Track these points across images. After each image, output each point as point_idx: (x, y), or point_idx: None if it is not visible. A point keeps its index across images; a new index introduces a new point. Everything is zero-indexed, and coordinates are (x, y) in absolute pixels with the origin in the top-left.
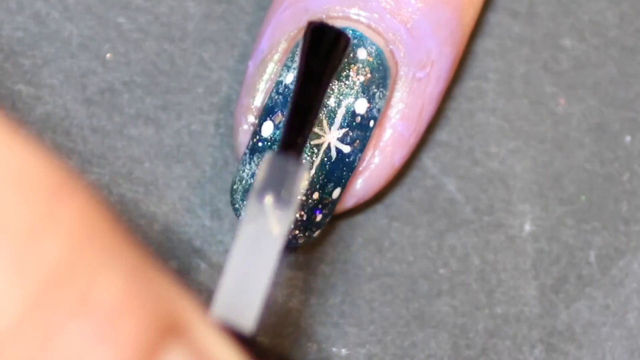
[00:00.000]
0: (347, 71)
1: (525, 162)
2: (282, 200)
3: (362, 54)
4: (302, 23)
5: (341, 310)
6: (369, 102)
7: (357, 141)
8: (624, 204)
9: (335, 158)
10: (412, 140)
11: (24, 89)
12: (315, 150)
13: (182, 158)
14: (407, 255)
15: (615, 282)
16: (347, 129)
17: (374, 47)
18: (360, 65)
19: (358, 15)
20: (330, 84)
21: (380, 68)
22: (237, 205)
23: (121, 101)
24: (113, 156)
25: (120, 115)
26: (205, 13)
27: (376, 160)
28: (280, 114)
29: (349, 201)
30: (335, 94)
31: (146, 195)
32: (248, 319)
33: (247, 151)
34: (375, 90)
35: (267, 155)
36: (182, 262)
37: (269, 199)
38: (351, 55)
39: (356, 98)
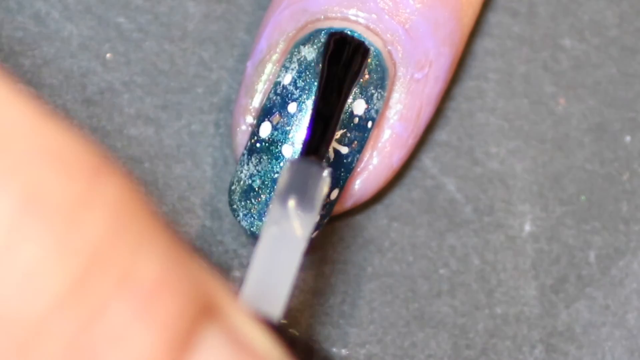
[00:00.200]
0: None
1: (525, 162)
2: (304, 203)
3: None
4: (301, 24)
5: (341, 310)
6: (367, 103)
7: (355, 142)
8: (624, 204)
9: (333, 159)
10: (410, 141)
11: (24, 89)
12: None
13: (182, 158)
14: (407, 255)
15: (615, 282)
16: (345, 130)
17: (372, 48)
18: None
19: (356, 16)
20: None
21: (379, 69)
22: (235, 206)
23: (121, 101)
24: (113, 156)
25: (120, 115)
26: (205, 13)
27: (374, 161)
28: (278, 115)
29: (347, 202)
30: None
31: (146, 196)
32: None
33: (245, 152)
34: (373, 91)
35: (290, 161)
36: None
37: (292, 202)
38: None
39: (354, 99)
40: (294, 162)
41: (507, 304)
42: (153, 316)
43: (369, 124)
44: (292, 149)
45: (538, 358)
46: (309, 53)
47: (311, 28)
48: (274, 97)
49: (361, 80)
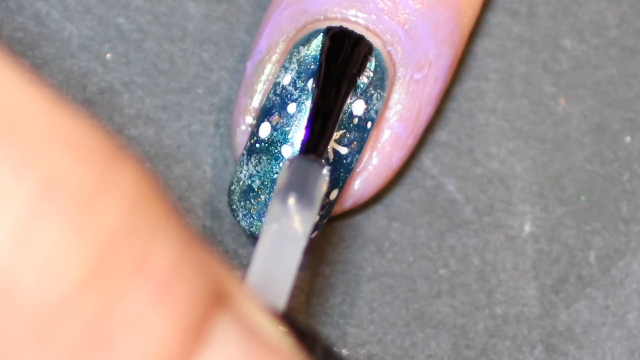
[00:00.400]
0: None
1: (525, 162)
2: (304, 200)
3: None
4: (300, 24)
5: (341, 311)
6: (366, 103)
7: (355, 142)
8: (624, 204)
9: (333, 159)
10: (410, 141)
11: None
12: None
13: (182, 158)
14: (407, 255)
15: (615, 282)
16: (344, 130)
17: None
18: None
19: (356, 16)
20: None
21: (378, 69)
22: (234, 207)
23: (121, 101)
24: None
25: (120, 115)
26: (205, 13)
27: (374, 161)
28: (277, 115)
29: (347, 202)
30: None
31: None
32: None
33: (244, 152)
34: (372, 91)
35: (290, 159)
36: None
37: (292, 200)
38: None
39: (353, 99)
40: (293, 160)
41: (507, 304)
42: (168, 303)
43: (369, 124)
44: (291, 149)
45: (538, 358)
46: (309, 53)
47: (311, 28)
48: (274, 98)
49: (363, 77)
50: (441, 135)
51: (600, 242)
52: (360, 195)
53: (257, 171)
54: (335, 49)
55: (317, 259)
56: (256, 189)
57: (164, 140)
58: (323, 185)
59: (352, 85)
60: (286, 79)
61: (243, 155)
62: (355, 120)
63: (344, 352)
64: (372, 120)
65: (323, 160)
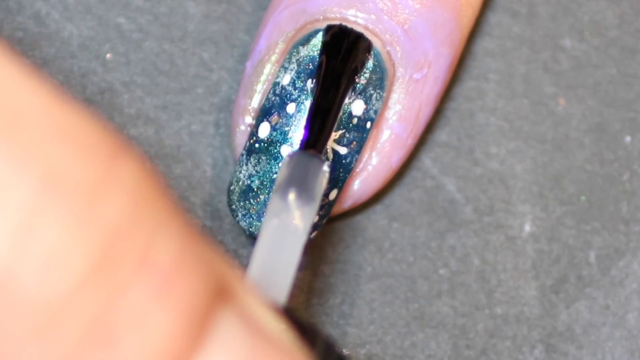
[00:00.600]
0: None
1: (525, 162)
2: (305, 196)
3: None
4: (300, 24)
5: (341, 311)
6: (365, 103)
7: (354, 143)
8: (624, 204)
9: (332, 159)
10: (409, 141)
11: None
12: None
13: (182, 158)
14: (407, 255)
15: (615, 282)
16: (343, 130)
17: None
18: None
19: (355, 16)
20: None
21: (377, 69)
22: (234, 207)
23: (121, 101)
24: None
25: (120, 115)
26: (205, 13)
27: (373, 161)
28: (277, 115)
29: (346, 202)
30: None
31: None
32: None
33: (244, 152)
34: (372, 91)
35: (289, 155)
36: None
37: (292, 195)
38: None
39: (353, 99)
40: (293, 155)
41: (507, 304)
42: (171, 298)
43: (368, 124)
44: (290, 149)
45: (538, 358)
46: (308, 53)
47: (310, 29)
48: (273, 98)
49: (361, 77)
50: (441, 135)
51: (600, 242)
52: (360, 195)
53: (256, 171)
54: (335, 45)
55: (317, 259)
56: (255, 189)
57: (164, 140)
58: (323, 181)
59: (351, 81)
60: (285, 79)
61: (242, 155)
62: (355, 120)
63: (344, 352)
64: (372, 120)
65: (323, 156)
